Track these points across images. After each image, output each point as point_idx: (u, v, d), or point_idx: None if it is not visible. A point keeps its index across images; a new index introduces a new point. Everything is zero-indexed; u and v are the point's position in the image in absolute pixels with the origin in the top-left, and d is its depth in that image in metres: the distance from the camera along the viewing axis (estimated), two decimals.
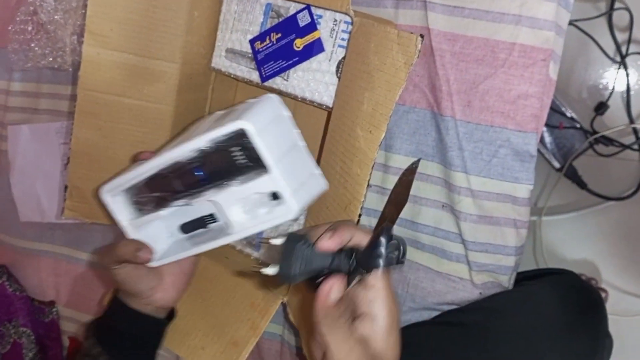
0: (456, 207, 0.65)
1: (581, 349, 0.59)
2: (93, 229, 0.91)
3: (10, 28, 0.73)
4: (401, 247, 0.46)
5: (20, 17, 0.72)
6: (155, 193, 0.57)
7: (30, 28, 0.73)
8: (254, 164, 0.51)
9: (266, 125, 0.50)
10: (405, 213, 0.68)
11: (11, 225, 1.01)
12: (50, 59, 0.73)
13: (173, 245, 0.62)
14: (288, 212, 0.52)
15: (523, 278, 0.67)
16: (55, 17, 0.68)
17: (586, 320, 0.60)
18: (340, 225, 0.48)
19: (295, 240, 0.47)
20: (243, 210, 0.55)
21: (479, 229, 0.64)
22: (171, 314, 0.67)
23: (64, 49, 0.71)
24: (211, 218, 0.60)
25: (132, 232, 0.61)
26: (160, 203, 0.58)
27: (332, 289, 0.46)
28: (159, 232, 0.61)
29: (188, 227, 0.62)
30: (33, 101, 0.94)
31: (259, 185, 0.52)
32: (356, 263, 0.47)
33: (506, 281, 0.65)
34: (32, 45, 0.74)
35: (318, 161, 0.66)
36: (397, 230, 0.69)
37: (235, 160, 0.51)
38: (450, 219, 0.66)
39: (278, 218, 0.53)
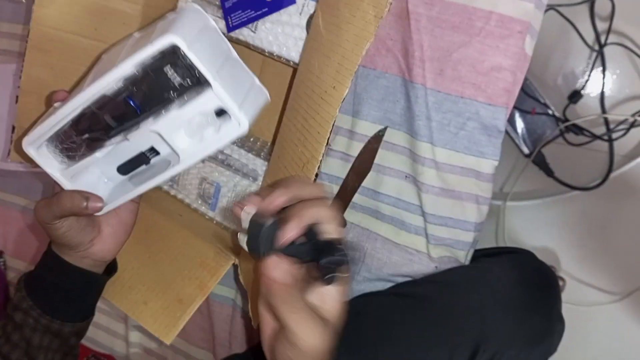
0: (419, 179, 0.63)
1: (533, 328, 0.58)
2: (45, 178, 0.87)
3: None
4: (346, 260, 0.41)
5: None
6: (85, 135, 0.51)
7: None
8: (191, 82, 0.47)
9: (196, 37, 0.47)
10: (367, 182, 0.66)
11: None
12: None
13: (115, 189, 0.57)
14: (238, 128, 0.49)
15: (481, 255, 0.66)
16: None
17: (541, 301, 0.60)
18: (302, 208, 0.42)
19: (260, 223, 0.42)
20: (187, 135, 0.50)
21: (440, 202, 0.63)
22: (110, 269, 0.63)
23: None
24: (152, 152, 0.55)
25: (67, 183, 0.55)
26: (93, 145, 0.52)
27: (276, 270, 0.41)
28: (97, 178, 0.57)
29: (127, 167, 0.56)
30: None
31: (201, 104, 0.48)
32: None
33: (463, 257, 0.64)
34: None
35: (280, 120, 0.63)
36: (357, 199, 0.67)
37: (169, 81, 0.47)
38: (412, 190, 0.64)
39: (228, 135, 0.50)
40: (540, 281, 0.62)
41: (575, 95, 0.96)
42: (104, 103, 0.49)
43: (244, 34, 0.64)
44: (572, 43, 0.96)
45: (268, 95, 0.54)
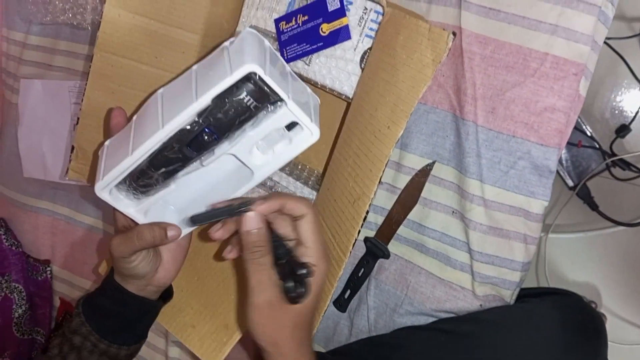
0: (467, 215, 0.63)
1: None
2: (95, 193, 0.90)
3: None
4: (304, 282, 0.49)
5: None
6: (162, 169, 0.52)
7: None
8: (265, 103, 0.49)
9: (264, 60, 0.48)
10: (413, 215, 0.67)
11: (14, 179, 1.00)
12: (70, 15, 0.71)
13: (182, 214, 0.58)
14: (311, 136, 0.52)
15: (525, 295, 0.66)
16: None
17: (586, 344, 0.59)
18: (272, 195, 0.51)
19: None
20: (261, 152, 0.53)
21: (488, 240, 0.62)
22: (166, 294, 0.65)
23: (84, 6, 0.69)
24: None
25: (142, 218, 0.56)
26: (169, 176, 0.54)
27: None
28: (164, 207, 0.58)
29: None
30: (48, 57, 0.92)
31: (275, 121, 0.50)
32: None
33: (509, 296, 0.64)
34: None
35: (331, 152, 0.64)
36: (402, 231, 0.68)
37: (244, 105, 0.48)
38: (459, 226, 0.64)
39: (303, 145, 0.53)
40: (585, 324, 0.61)
41: (623, 130, 0.94)
42: (182, 136, 0.50)
43: (298, 66, 0.65)
44: (622, 77, 0.95)
45: (318, 98, 0.56)
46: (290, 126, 0.52)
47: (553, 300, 0.64)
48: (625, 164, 0.93)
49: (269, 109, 0.49)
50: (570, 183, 0.97)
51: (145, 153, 0.51)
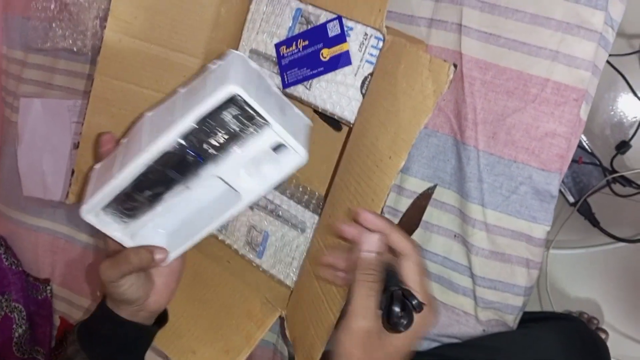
0: (468, 239, 0.63)
1: None
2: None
3: (32, 4, 0.71)
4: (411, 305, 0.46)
5: None
6: (147, 192, 0.52)
7: (52, 6, 0.71)
8: (249, 124, 0.49)
9: (248, 82, 0.48)
10: (415, 238, 0.67)
11: (13, 198, 1.00)
12: (70, 41, 0.71)
13: (171, 238, 0.58)
14: (298, 158, 0.51)
15: (528, 319, 0.66)
16: None
17: None
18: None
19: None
20: (248, 174, 0.52)
21: (490, 265, 0.62)
22: (160, 319, 0.64)
23: (85, 32, 0.69)
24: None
25: (129, 241, 0.56)
26: (154, 199, 0.53)
27: None
28: (152, 230, 0.57)
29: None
30: (48, 75, 0.92)
31: (260, 143, 0.50)
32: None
33: (512, 321, 0.64)
34: (54, 25, 0.72)
35: (332, 179, 0.64)
36: None
37: (228, 127, 0.48)
38: (461, 251, 0.64)
39: (288, 166, 0.52)
40: (590, 351, 0.61)
41: (624, 146, 0.94)
42: (166, 159, 0.50)
43: (298, 90, 0.65)
44: (621, 93, 0.95)
45: (308, 120, 0.56)
46: (277, 148, 0.51)
47: (556, 325, 0.64)
48: (626, 181, 0.93)
49: (254, 131, 0.49)
50: (571, 199, 0.97)
51: (130, 176, 0.50)
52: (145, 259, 0.55)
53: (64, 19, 0.71)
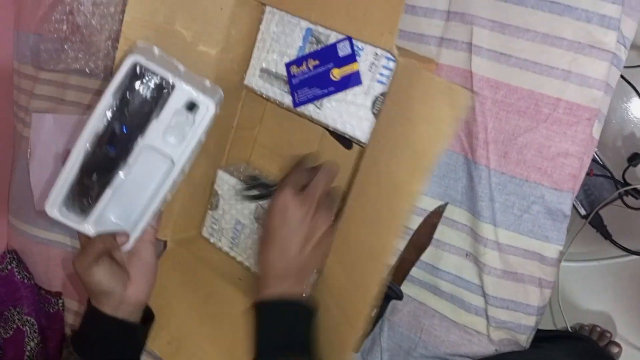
0: (480, 259, 0.63)
1: None
2: None
3: (45, 26, 0.71)
4: None
5: (55, 16, 0.70)
6: (94, 176, 0.57)
7: (65, 27, 0.72)
8: (159, 90, 0.55)
9: (150, 57, 0.54)
10: (426, 256, 0.67)
11: (25, 212, 1.01)
12: (83, 63, 0.71)
13: (129, 224, 0.61)
14: (208, 110, 0.56)
15: (539, 338, 0.65)
16: (92, 21, 0.67)
17: None
18: None
19: None
20: (174, 138, 0.57)
21: (502, 284, 0.62)
22: (147, 318, 0.66)
23: (97, 54, 0.70)
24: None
25: (92, 231, 0.60)
26: (103, 183, 0.58)
27: None
28: (113, 223, 0.61)
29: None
30: (60, 91, 0.93)
31: (172, 104, 0.55)
32: None
33: (524, 340, 0.63)
34: (66, 47, 0.72)
35: (344, 198, 0.64)
36: (415, 272, 0.68)
37: (142, 97, 0.54)
38: (473, 270, 0.64)
39: (203, 120, 0.56)
40: None
41: (636, 158, 0.94)
42: (99, 139, 0.56)
43: (309, 109, 0.66)
44: (633, 105, 0.95)
45: (222, 91, 0.60)
46: (191, 108, 0.56)
47: (567, 345, 0.64)
48: (638, 193, 0.93)
49: (166, 95, 0.55)
50: (583, 212, 0.97)
51: (75, 164, 0.56)
52: (108, 242, 0.58)
53: (76, 41, 0.72)
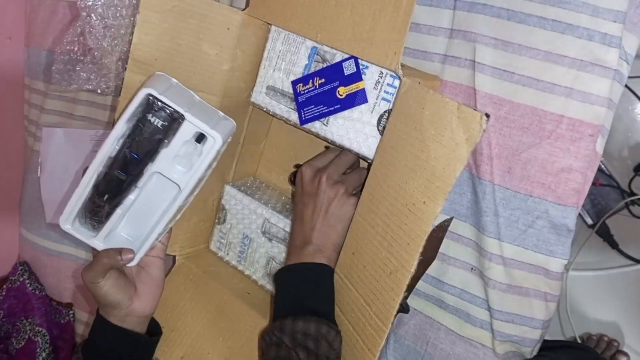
0: (485, 273, 0.63)
1: None
2: None
3: (57, 49, 0.73)
4: None
5: (67, 38, 0.72)
6: (105, 195, 0.59)
7: (76, 48, 0.73)
8: (170, 121, 0.57)
9: (165, 89, 0.56)
10: (432, 270, 0.67)
11: (36, 224, 1.02)
12: (95, 84, 0.72)
13: (137, 243, 0.64)
14: (215, 142, 0.58)
15: (543, 347, 0.66)
16: (103, 44, 0.68)
17: None
18: None
19: None
20: (182, 166, 0.60)
21: (507, 298, 0.63)
22: (154, 331, 0.68)
23: (108, 75, 0.71)
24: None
25: (101, 246, 0.63)
26: (113, 203, 0.60)
27: None
28: (123, 239, 0.64)
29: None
30: (70, 106, 0.94)
31: (182, 135, 0.58)
32: None
33: (529, 353, 0.64)
34: (77, 68, 0.73)
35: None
36: (421, 286, 0.68)
37: (154, 126, 0.57)
38: (478, 284, 0.65)
39: (211, 151, 0.58)
40: None
41: None
42: (111, 163, 0.58)
43: (315, 126, 0.66)
44: (638, 115, 0.95)
45: (234, 123, 0.62)
46: (199, 139, 0.59)
47: (570, 355, 0.64)
48: None
49: (176, 127, 0.58)
50: (590, 221, 0.97)
51: (89, 182, 0.58)
52: (113, 257, 0.60)
53: (87, 63, 0.73)
